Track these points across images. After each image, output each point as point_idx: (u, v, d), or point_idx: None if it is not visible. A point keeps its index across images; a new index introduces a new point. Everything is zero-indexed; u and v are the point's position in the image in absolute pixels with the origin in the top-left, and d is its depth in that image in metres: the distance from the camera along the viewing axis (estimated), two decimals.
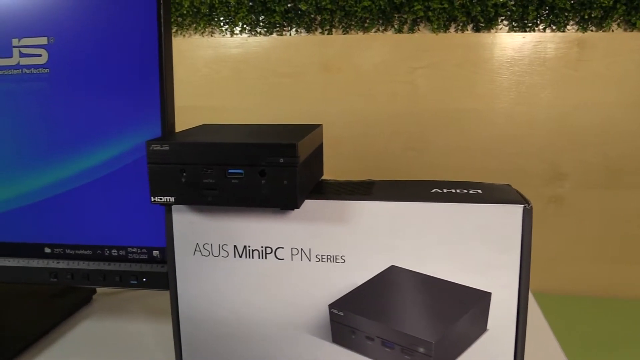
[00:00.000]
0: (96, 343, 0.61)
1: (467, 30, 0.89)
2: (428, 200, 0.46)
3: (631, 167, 0.92)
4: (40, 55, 0.53)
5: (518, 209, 0.45)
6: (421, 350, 0.47)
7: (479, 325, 0.48)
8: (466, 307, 0.47)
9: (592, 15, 0.84)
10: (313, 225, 0.48)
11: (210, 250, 0.50)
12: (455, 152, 0.97)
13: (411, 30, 0.89)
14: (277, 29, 0.92)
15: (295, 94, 0.99)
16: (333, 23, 0.92)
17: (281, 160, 0.44)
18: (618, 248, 1.01)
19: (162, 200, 0.47)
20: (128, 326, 0.64)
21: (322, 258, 0.48)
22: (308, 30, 0.93)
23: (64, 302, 0.68)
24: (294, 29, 0.93)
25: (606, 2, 0.81)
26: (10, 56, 0.53)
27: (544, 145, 0.93)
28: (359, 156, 1.04)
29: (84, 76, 0.53)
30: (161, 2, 0.50)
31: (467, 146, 0.96)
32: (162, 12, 0.50)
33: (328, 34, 0.92)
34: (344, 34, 0.92)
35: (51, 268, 0.55)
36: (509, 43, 0.89)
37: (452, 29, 0.89)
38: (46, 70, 0.53)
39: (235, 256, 0.50)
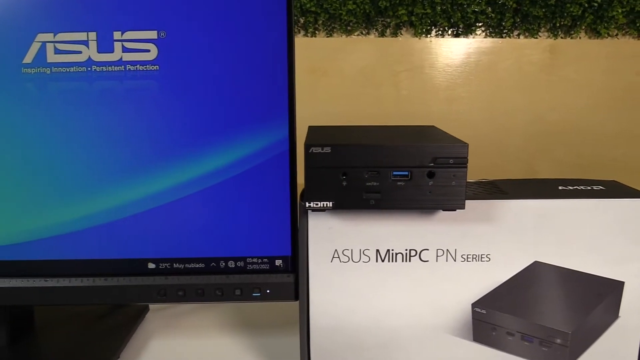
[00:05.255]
0: None
1: (448, 34, 0.92)
2: (571, 197, 0.48)
3: (599, 164, 1.00)
4: (148, 51, 0.48)
5: None
6: (558, 341, 0.49)
7: (612, 313, 0.50)
8: (601, 297, 0.50)
9: (562, 23, 0.91)
10: (459, 225, 0.48)
11: (350, 255, 0.48)
12: None
13: (394, 34, 0.91)
14: None
15: None
16: (317, 26, 0.92)
17: (451, 161, 0.43)
18: None
19: (319, 205, 0.44)
20: (208, 343, 0.60)
21: (467, 258, 0.49)
22: None
23: (115, 321, 0.62)
24: None
25: (575, 11, 0.89)
26: (112, 51, 0.48)
27: (520, 145, 1.00)
28: None
29: (199, 74, 0.48)
30: None
31: None
32: (290, 4, 0.48)
33: (312, 36, 0.92)
34: (328, 36, 0.92)
35: (159, 285, 0.50)
36: (487, 48, 0.94)
37: (432, 34, 0.92)
38: (155, 67, 0.48)
39: (377, 260, 0.48)
